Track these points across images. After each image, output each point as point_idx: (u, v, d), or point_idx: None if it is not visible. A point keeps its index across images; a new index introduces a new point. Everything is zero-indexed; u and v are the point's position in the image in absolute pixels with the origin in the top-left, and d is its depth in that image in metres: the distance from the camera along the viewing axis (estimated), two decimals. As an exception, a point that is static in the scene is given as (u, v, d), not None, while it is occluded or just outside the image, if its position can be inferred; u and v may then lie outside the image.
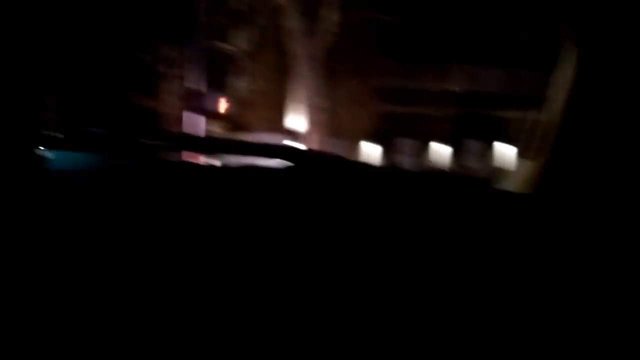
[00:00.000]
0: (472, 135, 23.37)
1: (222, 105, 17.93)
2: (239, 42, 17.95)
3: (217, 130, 18.86)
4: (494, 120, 23.55)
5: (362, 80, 19.90)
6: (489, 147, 23.46)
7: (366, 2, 17.47)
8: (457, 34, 22.02)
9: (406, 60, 22.01)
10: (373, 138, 21.04)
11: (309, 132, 17.28)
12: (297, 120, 17.88)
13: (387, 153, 21.86)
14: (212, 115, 17.28)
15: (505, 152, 23.49)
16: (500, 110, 23.35)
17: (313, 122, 17.00)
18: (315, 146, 16.51)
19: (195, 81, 16.11)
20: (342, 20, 16.33)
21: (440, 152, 23.28)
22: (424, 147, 22.88)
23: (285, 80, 17.95)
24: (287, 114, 18.55)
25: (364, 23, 18.29)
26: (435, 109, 22.99)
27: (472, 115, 23.44)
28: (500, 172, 21.06)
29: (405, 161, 22.13)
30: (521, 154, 23.12)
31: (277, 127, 19.05)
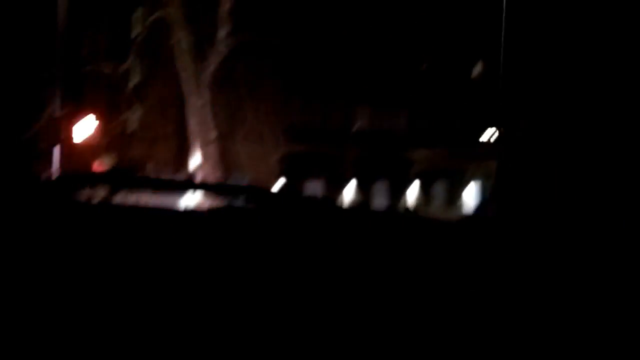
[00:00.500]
0: (381, 174, 22.72)
1: (101, 136, 15.73)
2: (123, 65, 15.86)
3: (100, 164, 16.84)
4: (402, 160, 22.89)
5: (262, 113, 18.22)
6: (399, 185, 22.81)
7: (261, 24, 15.64)
8: (364, 71, 21.03)
9: (309, 96, 20.87)
10: (274, 176, 19.45)
11: (202, 168, 15.41)
12: (189, 154, 16.06)
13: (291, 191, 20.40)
14: (89, 147, 15.09)
15: (416, 191, 22.98)
16: (410, 150, 22.69)
17: (206, 157, 15.15)
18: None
19: (68, 108, 13.99)
20: (237, 44, 14.65)
21: (349, 190, 22.52)
22: (332, 186, 21.87)
23: (176, 108, 16.12)
24: (177, 147, 16.70)
25: (261, 48, 16.47)
26: (340, 148, 22.08)
27: (381, 154, 22.70)
28: (412, 211, 20.23)
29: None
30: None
31: (168, 161, 17.17)
